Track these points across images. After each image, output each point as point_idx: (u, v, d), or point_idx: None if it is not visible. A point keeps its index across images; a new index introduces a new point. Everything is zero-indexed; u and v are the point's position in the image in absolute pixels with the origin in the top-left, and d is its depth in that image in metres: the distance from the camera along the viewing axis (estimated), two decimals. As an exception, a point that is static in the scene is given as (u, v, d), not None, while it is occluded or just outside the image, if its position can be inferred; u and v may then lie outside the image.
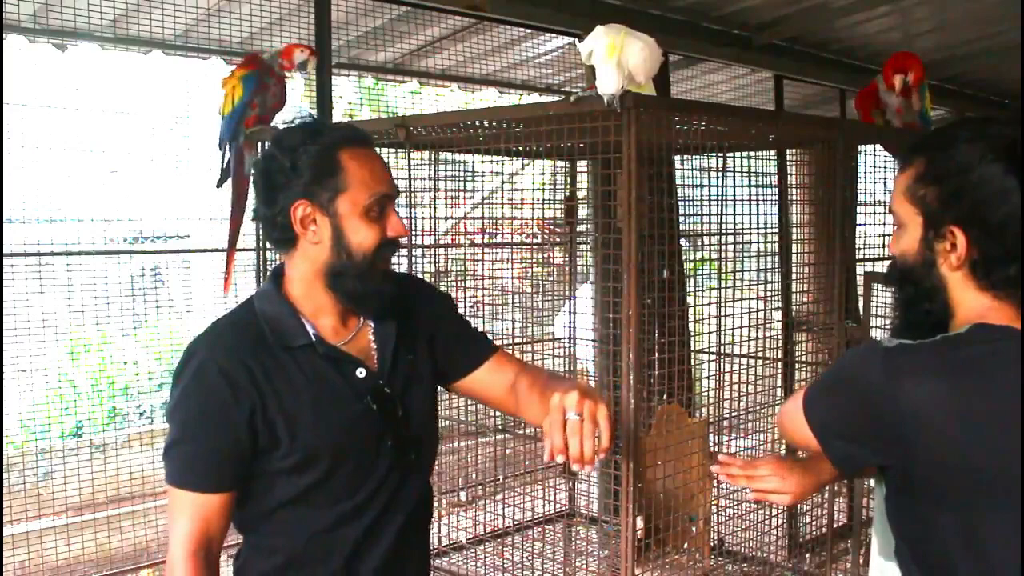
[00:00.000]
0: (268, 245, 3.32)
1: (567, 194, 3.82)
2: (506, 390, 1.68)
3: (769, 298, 3.18)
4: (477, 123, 2.64)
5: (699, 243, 4.51)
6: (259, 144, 3.29)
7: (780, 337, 3.56)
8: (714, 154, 2.92)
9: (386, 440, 1.54)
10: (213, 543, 1.49)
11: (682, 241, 4.18)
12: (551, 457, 1.38)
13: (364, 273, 1.50)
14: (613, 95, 2.04)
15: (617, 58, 2.00)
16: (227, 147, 3.30)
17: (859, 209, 3.47)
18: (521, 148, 3.20)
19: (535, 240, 4.28)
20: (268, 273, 1.62)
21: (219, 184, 3.34)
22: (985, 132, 1.24)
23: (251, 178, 1.55)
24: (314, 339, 1.51)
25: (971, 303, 1.24)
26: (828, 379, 1.36)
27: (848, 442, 1.28)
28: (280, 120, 3.32)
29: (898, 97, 3.14)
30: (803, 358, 3.85)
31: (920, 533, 1.27)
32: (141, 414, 5.24)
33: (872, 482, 1.42)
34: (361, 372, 1.53)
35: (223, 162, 3.32)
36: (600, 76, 2.05)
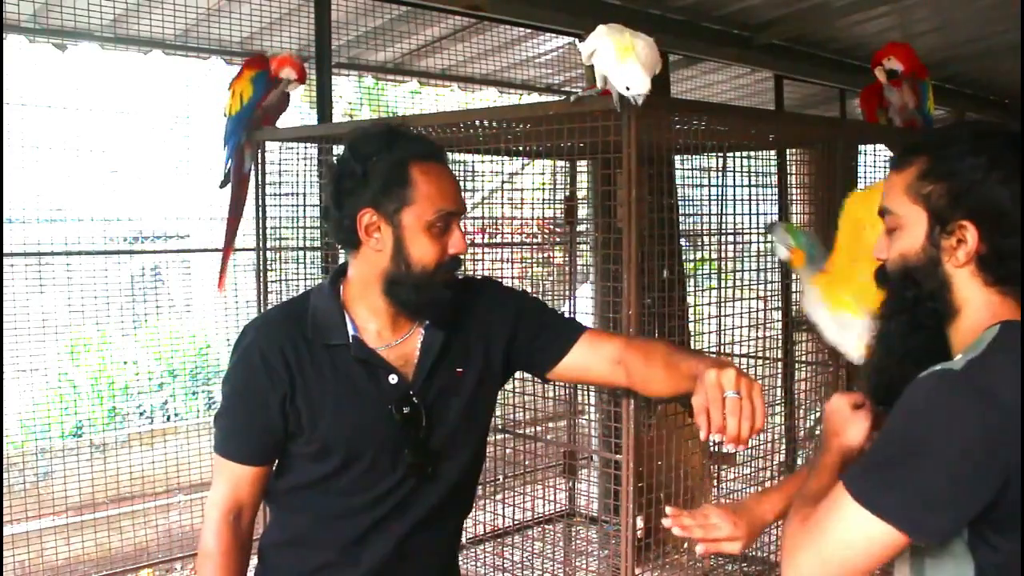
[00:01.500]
0: (269, 245, 3.33)
1: (567, 194, 3.82)
2: (610, 365, 1.68)
3: (769, 298, 3.18)
4: (477, 123, 2.63)
5: (699, 243, 4.51)
6: (259, 144, 3.28)
7: (780, 337, 3.56)
8: (714, 154, 2.91)
9: (403, 448, 1.57)
10: (244, 510, 1.61)
11: (682, 241, 4.17)
12: (708, 435, 1.37)
13: (421, 285, 1.54)
14: (644, 94, 2.00)
15: (635, 56, 1.99)
16: (231, 147, 3.29)
17: (859, 209, 3.46)
18: (521, 148, 3.20)
19: (535, 240, 4.28)
20: (332, 269, 1.73)
21: (222, 184, 3.34)
22: (991, 129, 1.25)
23: (322, 181, 1.61)
24: (351, 340, 1.57)
25: (978, 299, 1.23)
26: (887, 458, 1.16)
27: (946, 508, 1.12)
28: (282, 122, 3.32)
29: (893, 88, 3.12)
30: (803, 358, 3.85)
31: (1001, 559, 1.16)
32: (141, 414, 5.24)
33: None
34: (393, 378, 1.57)
35: (227, 162, 3.30)
36: (625, 75, 2.02)
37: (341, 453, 1.57)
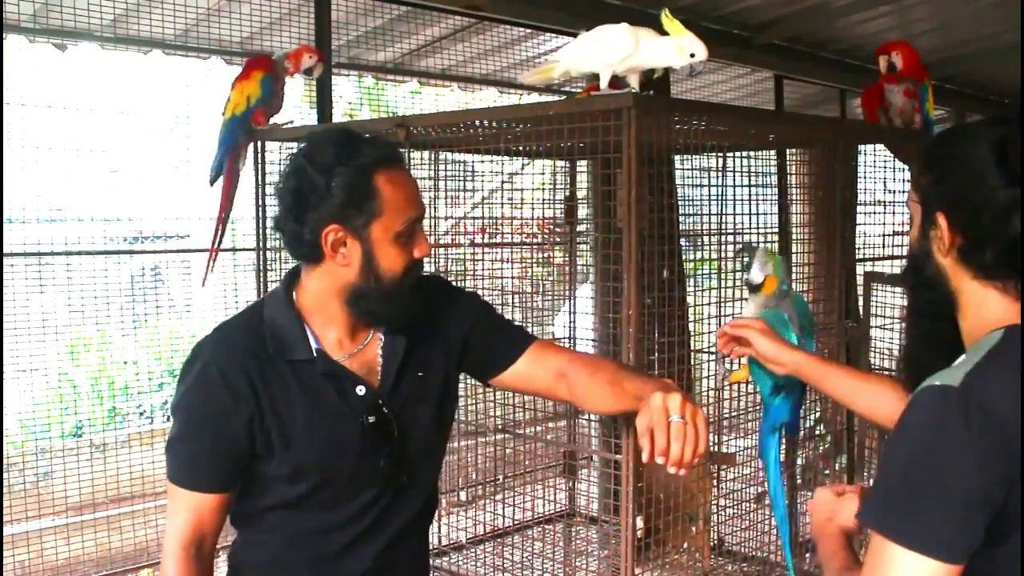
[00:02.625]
0: (269, 245, 3.33)
1: (567, 194, 3.82)
2: (553, 378, 1.68)
3: (769, 298, 3.17)
4: (477, 123, 2.64)
5: (699, 243, 4.51)
6: (257, 144, 3.28)
7: (780, 337, 3.55)
8: (714, 154, 2.91)
9: (379, 459, 1.53)
10: (206, 539, 1.52)
11: (682, 241, 4.17)
12: (651, 459, 1.39)
13: (390, 296, 1.49)
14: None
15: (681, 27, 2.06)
16: (228, 147, 3.28)
17: (859, 209, 3.46)
18: (521, 148, 3.20)
19: (535, 240, 4.28)
20: (284, 274, 1.61)
21: (212, 182, 3.33)
22: (980, 124, 1.27)
23: (276, 189, 1.51)
24: (316, 354, 1.51)
25: (973, 291, 1.24)
26: (904, 488, 1.14)
27: (967, 527, 1.11)
28: (276, 120, 3.31)
29: (893, 88, 3.12)
30: (803, 358, 3.84)
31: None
32: (141, 414, 5.24)
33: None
34: (361, 390, 1.52)
35: (220, 161, 3.29)
36: (687, 46, 2.08)
37: (317, 473, 1.51)
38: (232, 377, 1.46)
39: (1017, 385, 1.12)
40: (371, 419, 1.51)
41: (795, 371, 1.73)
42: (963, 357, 1.19)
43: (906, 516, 1.12)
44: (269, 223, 3.27)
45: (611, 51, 2.08)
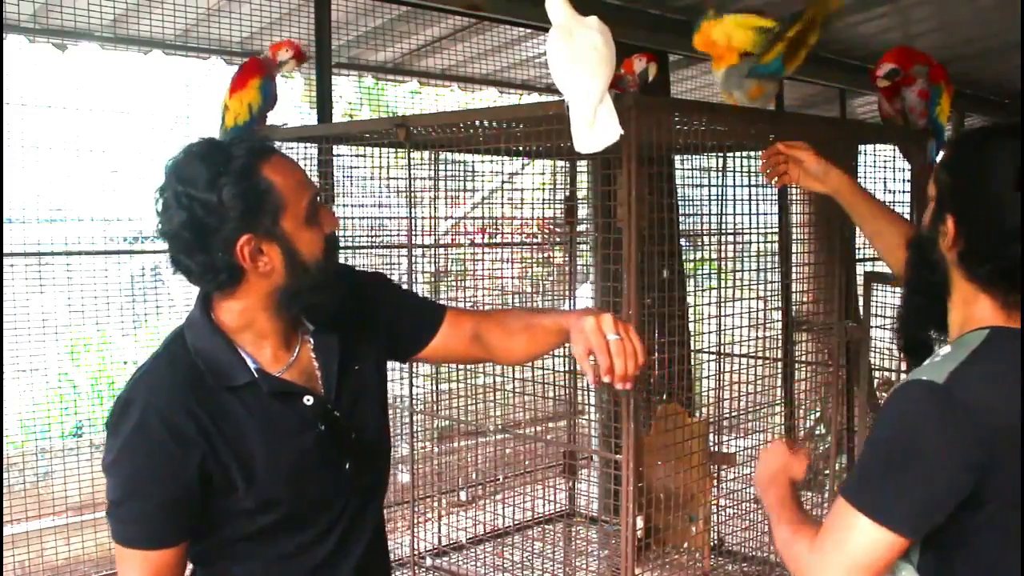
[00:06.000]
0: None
1: (567, 194, 3.82)
2: (468, 343, 1.67)
3: (769, 298, 3.18)
4: (477, 123, 2.64)
5: (699, 243, 4.51)
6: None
7: (780, 337, 3.56)
8: (714, 154, 2.91)
9: (343, 465, 1.49)
10: None
11: (682, 241, 4.18)
12: (598, 380, 1.42)
13: (320, 283, 1.43)
14: None
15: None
16: None
17: (859, 209, 3.46)
18: (521, 148, 3.20)
19: (535, 240, 4.28)
20: (196, 301, 1.48)
21: None
22: (1007, 134, 1.32)
23: (160, 232, 1.38)
24: (257, 375, 1.42)
25: (964, 290, 1.33)
26: (883, 468, 1.26)
27: (936, 512, 1.24)
28: (272, 120, 3.28)
29: (912, 87, 3.07)
30: (803, 358, 3.85)
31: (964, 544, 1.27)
32: (141, 414, 5.23)
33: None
34: (308, 399, 1.45)
35: None
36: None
37: (288, 498, 1.43)
38: (175, 420, 1.35)
39: (998, 383, 1.23)
40: (321, 427, 1.45)
41: (835, 191, 1.94)
42: (948, 350, 1.28)
43: (877, 493, 1.24)
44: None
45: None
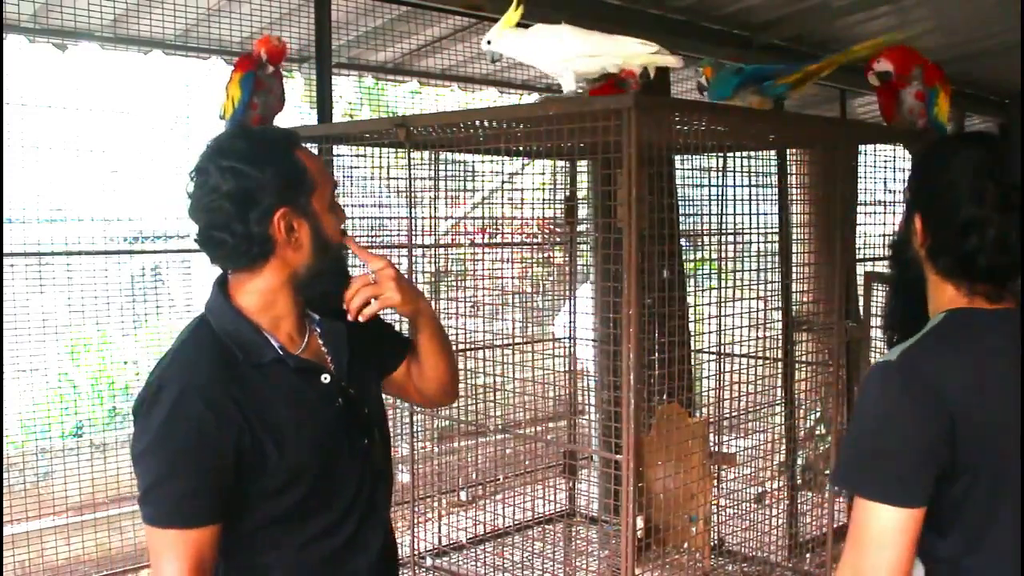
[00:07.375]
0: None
1: (567, 194, 3.82)
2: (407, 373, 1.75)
3: (769, 298, 3.18)
4: (477, 123, 2.64)
5: (699, 243, 4.51)
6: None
7: (780, 337, 3.56)
8: (714, 154, 2.91)
9: (361, 440, 1.56)
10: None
11: (682, 241, 4.17)
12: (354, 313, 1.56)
13: (338, 268, 1.55)
14: None
15: None
16: None
17: (859, 209, 3.47)
18: (521, 148, 3.20)
19: (535, 240, 4.28)
20: (212, 287, 1.54)
21: None
22: (969, 141, 1.46)
23: (204, 204, 1.45)
24: (282, 353, 1.49)
25: (933, 281, 1.44)
26: (863, 452, 1.35)
27: (915, 476, 1.31)
28: (279, 120, 3.30)
29: (908, 89, 3.08)
30: (803, 358, 3.84)
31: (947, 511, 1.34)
32: (141, 414, 5.23)
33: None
34: (326, 378, 1.53)
35: None
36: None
37: (314, 471, 1.47)
38: (214, 396, 1.40)
39: (946, 357, 1.34)
40: (340, 401, 1.54)
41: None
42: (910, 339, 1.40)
43: (869, 474, 1.32)
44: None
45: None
